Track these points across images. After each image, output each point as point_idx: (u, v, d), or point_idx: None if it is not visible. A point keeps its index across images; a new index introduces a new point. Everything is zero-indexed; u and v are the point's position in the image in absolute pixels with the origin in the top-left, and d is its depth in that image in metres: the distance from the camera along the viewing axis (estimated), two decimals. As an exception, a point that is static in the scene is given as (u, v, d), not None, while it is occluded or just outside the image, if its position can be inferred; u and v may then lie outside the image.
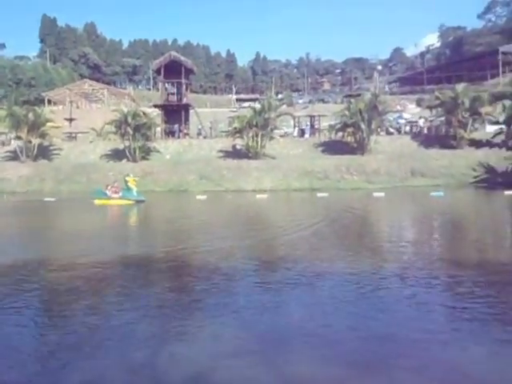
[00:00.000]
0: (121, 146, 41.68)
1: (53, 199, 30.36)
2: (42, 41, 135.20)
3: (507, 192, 27.78)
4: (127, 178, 29.65)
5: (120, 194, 28.65)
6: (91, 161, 41.72)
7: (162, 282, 11.16)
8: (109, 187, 28.83)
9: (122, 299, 9.67)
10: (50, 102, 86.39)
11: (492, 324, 7.84)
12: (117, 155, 42.11)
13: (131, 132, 40.37)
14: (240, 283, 10.87)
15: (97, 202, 27.94)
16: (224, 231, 18.05)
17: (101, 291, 10.53)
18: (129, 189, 29.12)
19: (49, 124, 43.54)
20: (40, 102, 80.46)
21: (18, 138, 42.17)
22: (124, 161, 41.03)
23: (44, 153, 42.88)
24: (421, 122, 48.66)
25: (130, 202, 28.21)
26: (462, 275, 10.93)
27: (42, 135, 42.55)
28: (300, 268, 11.75)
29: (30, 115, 42.02)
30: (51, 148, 43.89)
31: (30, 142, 41.71)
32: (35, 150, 41.91)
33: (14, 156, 42.28)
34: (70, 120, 58.91)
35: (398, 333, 7.55)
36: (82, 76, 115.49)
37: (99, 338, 7.50)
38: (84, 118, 61.86)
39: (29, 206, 29.10)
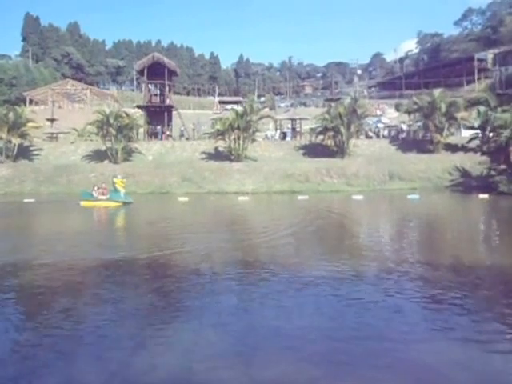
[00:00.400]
0: (102, 147, 41.32)
1: (32, 200, 30.18)
2: (24, 39, 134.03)
3: (481, 196, 29.11)
4: (115, 180, 29.12)
5: (107, 195, 28.35)
6: (72, 162, 41.26)
7: (142, 285, 11.21)
8: (96, 188, 28.58)
9: (99, 302, 9.73)
10: (31, 101, 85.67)
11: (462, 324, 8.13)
12: (98, 156, 41.74)
13: (113, 133, 40.06)
14: (218, 285, 10.96)
15: (83, 203, 27.77)
16: (205, 234, 18.22)
17: (78, 294, 10.53)
18: (116, 190, 28.74)
19: (29, 124, 42.77)
20: (21, 101, 79.25)
21: (-2, 138, 41.43)
22: (106, 162, 40.67)
23: (24, 153, 42.28)
24: (404, 126, 49.29)
25: (118, 203, 27.99)
26: (434, 277, 11.26)
27: (23, 135, 41.86)
28: (278, 270, 12.01)
29: (11, 115, 41.38)
30: (32, 148, 43.29)
31: (10, 142, 41.00)
32: (15, 150, 41.21)
33: (-7, 156, 41.60)
34: (52, 120, 58.43)
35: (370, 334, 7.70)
36: (64, 76, 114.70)
37: (76, 341, 7.53)
38: (66, 118, 61.55)
39: (7, 208, 28.70)
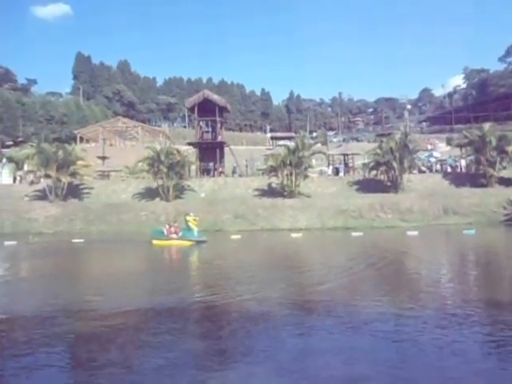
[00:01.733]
0: (154, 185, 41.24)
1: (81, 240, 29.85)
2: (75, 78, 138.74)
3: None
4: (188, 218, 28.56)
5: (180, 234, 27.78)
6: (123, 200, 41.24)
7: (196, 330, 11.32)
8: (167, 226, 28.12)
9: (154, 348, 9.65)
10: (82, 139, 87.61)
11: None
12: (149, 194, 41.62)
13: (165, 170, 39.94)
14: (275, 330, 10.92)
15: (155, 242, 27.44)
16: (260, 274, 18.09)
17: (131, 340, 10.55)
18: (189, 229, 28.17)
19: (79, 162, 43.03)
20: (72, 139, 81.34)
21: (47, 176, 41.47)
22: (157, 200, 40.48)
23: (74, 192, 42.44)
24: (462, 162, 48.83)
25: (191, 242, 27.39)
26: (497, 316, 11.42)
27: (72, 174, 42.06)
28: (339, 312, 12.21)
29: (60, 153, 41.59)
30: (82, 187, 43.48)
31: (60, 180, 41.09)
32: (65, 189, 41.27)
33: (42, 195, 41.65)
34: (103, 158, 59.14)
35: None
36: (115, 113, 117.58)
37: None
38: (117, 155, 62.29)
39: (56, 248, 28.48)
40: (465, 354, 8.84)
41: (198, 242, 27.42)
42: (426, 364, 8.48)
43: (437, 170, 49.89)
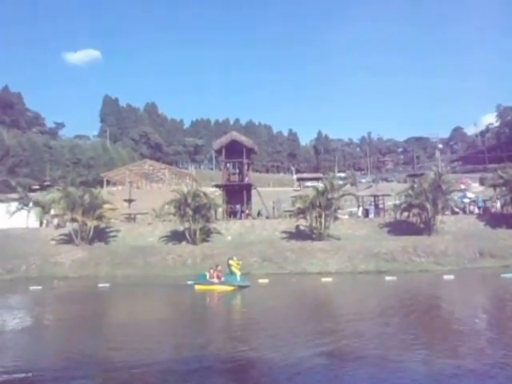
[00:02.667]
0: (180, 228, 41.47)
1: (107, 285, 29.96)
2: (102, 120, 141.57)
3: None
4: (230, 262, 28.23)
5: (222, 278, 27.43)
6: (149, 243, 41.51)
7: None
8: (211, 271, 27.78)
9: None
10: (108, 182, 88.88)
11: None
12: (176, 237, 41.85)
13: (191, 213, 40.15)
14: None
15: (197, 287, 27.20)
16: (290, 326, 17.21)
17: None
18: (232, 273, 27.82)
19: (106, 206, 43.60)
20: (99, 182, 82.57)
21: (73, 220, 41.88)
22: (184, 243, 40.64)
23: (100, 235, 42.92)
24: (498, 202, 48.40)
25: (233, 287, 26.96)
26: None
27: (99, 217, 42.55)
28: (373, 364, 11.74)
29: (87, 197, 42.27)
30: (108, 230, 43.95)
31: (86, 224, 41.58)
32: (91, 232, 41.76)
33: (68, 239, 42.23)
34: (129, 201, 59.74)
35: None
36: (142, 156, 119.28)
37: None
38: (144, 198, 62.86)
39: (81, 293, 28.76)
40: None
41: (241, 287, 26.93)
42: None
43: (471, 212, 49.25)
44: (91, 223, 41.77)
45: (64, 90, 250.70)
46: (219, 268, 27.93)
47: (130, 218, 53.24)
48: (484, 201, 49.93)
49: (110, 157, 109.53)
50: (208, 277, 27.38)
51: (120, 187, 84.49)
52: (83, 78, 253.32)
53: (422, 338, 14.57)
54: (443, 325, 17.05)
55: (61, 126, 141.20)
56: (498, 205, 47.86)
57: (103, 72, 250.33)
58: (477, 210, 48.54)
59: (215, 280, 27.20)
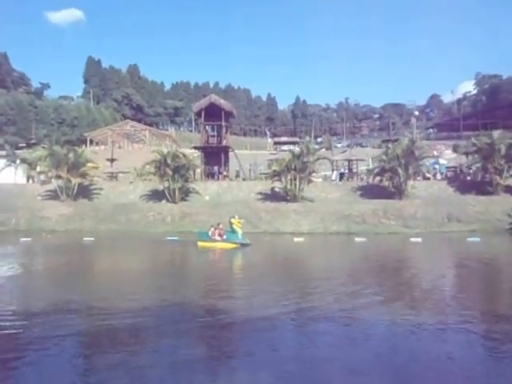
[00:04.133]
0: (160, 187, 42.01)
1: (92, 239, 30.81)
2: (86, 81, 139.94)
3: None
4: (232, 220, 28.14)
5: (224, 236, 27.37)
6: (131, 201, 42.06)
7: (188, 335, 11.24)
8: (212, 229, 27.66)
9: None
10: (92, 141, 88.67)
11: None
12: (156, 196, 42.47)
13: (170, 173, 40.65)
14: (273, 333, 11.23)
15: (200, 244, 27.23)
16: (264, 284, 17.49)
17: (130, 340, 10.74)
18: (234, 231, 27.78)
19: (89, 164, 44.24)
20: (82, 142, 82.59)
21: (58, 177, 42.51)
22: (163, 201, 41.28)
23: (84, 192, 43.52)
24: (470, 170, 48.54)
25: (235, 245, 27.05)
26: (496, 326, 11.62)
27: (83, 175, 43.25)
28: (340, 319, 12.24)
29: (71, 155, 42.82)
30: (91, 188, 44.57)
31: (70, 181, 42.22)
32: (75, 189, 42.41)
33: (54, 195, 42.80)
34: (112, 160, 59.93)
35: None
36: (124, 116, 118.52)
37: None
38: (125, 158, 63.05)
39: (68, 245, 29.60)
40: (460, 363, 9.25)
41: (243, 245, 27.03)
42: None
43: (442, 177, 48.99)
44: (75, 180, 42.38)
45: (48, 51, 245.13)
46: (221, 226, 27.75)
47: (113, 177, 53.68)
48: (448, 167, 50.22)
49: (93, 117, 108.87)
50: (210, 234, 27.47)
51: (103, 147, 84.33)
52: (67, 38, 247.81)
53: (388, 295, 14.98)
54: (408, 284, 17.62)
55: (46, 86, 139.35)
56: (465, 171, 48.16)
57: (86, 33, 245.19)
58: (439, 176, 48.96)
59: (217, 238, 27.23)
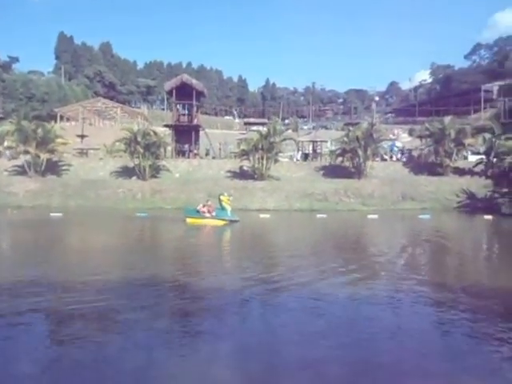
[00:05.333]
0: (130, 164, 41.30)
1: (59, 214, 29.87)
2: (57, 57, 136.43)
3: (486, 216, 30.83)
4: (221, 197, 27.65)
5: (213, 213, 26.83)
6: (101, 177, 41.23)
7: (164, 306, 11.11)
8: (201, 205, 27.05)
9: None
10: (62, 118, 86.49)
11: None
12: (126, 172, 41.75)
13: (141, 150, 40.00)
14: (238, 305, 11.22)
15: (189, 220, 26.56)
16: (231, 259, 18.03)
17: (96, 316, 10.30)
18: (223, 208, 27.29)
19: (58, 140, 42.69)
20: (53, 117, 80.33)
21: (26, 152, 41.01)
22: (134, 178, 40.63)
23: (53, 168, 42.23)
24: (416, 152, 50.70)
25: (224, 222, 26.69)
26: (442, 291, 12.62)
27: (51, 151, 41.82)
28: (298, 286, 12.69)
29: (39, 130, 41.27)
30: (60, 164, 43.28)
31: (38, 156, 40.84)
32: (43, 165, 41.06)
33: (21, 170, 41.39)
34: (82, 136, 58.79)
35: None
36: (96, 94, 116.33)
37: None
38: (96, 135, 61.88)
39: (35, 220, 28.73)
40: (410, 330, 9.48)
41: (232, 222, 26.78)
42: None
43: (398, 159, 51.20)
44: (44, 156, 41.01)
45: (18, 24, 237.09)
46: (209, 203, 27.38)
47: (83, 153, 52.52)
48: (400, 150, 52.68)
49: (64, 93, 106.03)
50: (199, 211, 26.81)
51: (73, 123, 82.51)
52: (38, 12, 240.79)
53: (347, 269, 15.21)
54: (366, 257, 18.18)
55: (15, 60, 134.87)
56: (416, 153, 50.08)
57: (58, 7, 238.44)
58: (394, 158, 51.23)
59: (207, 214, 26.68)
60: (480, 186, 37.90)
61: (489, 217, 30.69)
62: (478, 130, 46.83)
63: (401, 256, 18.51)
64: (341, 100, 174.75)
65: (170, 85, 51.93)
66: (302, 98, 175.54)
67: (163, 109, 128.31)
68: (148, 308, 10.58)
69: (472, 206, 36.22)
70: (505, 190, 34.54)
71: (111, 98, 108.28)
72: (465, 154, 46.32)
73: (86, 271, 14.14)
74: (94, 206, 35.02)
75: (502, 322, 10.05)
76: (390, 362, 7.82)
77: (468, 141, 43.30)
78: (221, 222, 26.63)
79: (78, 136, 58.47)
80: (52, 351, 8.30)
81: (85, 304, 10.56)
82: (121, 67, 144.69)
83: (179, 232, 25.05)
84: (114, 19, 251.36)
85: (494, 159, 39.38)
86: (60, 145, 42.84)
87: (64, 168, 42.99)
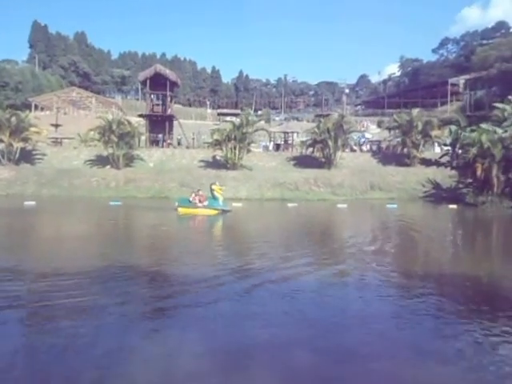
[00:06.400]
0: (104, 153, 40.87)
1: (33, 203, 29.36)
2: (31, 46, 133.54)
3: (450, 206, 31.64)
4: (213, 187, 26.97)
5: (205, 202, 26.37)
6: (75, 166, 40.72)
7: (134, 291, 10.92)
8: (193, 195, 26.59)
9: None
10: (37, 107, 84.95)
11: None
12: (100, 162, 41.29)
13: (115, 139, 39.61)
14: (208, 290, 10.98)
15: (181, 210, 26.00)
16: (203, 247, 17.74)
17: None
18: (215, 198, 26.69)
19: (32, 129, 41.99)
20: (27, 106, 78.88)
21: (0, 141, 40.34)
22: (108, 167, 40.22)
23: (27, 157, 41.58)
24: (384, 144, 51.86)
25: (217, 211, 26.25)
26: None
27: (25, 139, 41.14)
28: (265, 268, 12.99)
29: (13, 119, 40.56)
30: (34, 152, 42.64)
31: (12, 145, 40.13)
32: (17, 153, 40.38)
33: (-6, 159, 40.75)
34: (56, 126, 57.89)
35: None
36: (71, 83, 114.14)
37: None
38: (71, 124, 60.94)
39: (8, 209, 28.19)
40: (372, 315, 9.42)
41: (224, 211, 26.30)
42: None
43: (367, 150, 52.16)
44: (17, 145, 40.37)
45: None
46: (201, 192, 26.86)
47: (57, 142, 51.70)
48: (389, 141, 52.05)
49: (38, 83, 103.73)
50: (191, 200, 26.40)
51: (48, 112, 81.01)
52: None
53: (318, 256, 15.41)
54: (335, 245, 18.45)
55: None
56: (383, 145, 51.26)
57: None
58: (364, 148, 52.31)
59: (199, 204, 26.25)
60: (445, 177, 38.81)
61: (453, 206, 31.36)
62: (445, 122, 47.94)
63: (368, 243, 18.59)
64: (312, 92, 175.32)
65: (143, 75, 51.52)
66: (274, 89, 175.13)
67: (137, 99, 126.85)
68: (119, 295, 10.39)
69: (437, 195, 36.94)
70: (469, 180, 35.24)
71: (86, 88, 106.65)
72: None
73: (58, 259, 13.97)
74: (67, 194, 34.65)
75: (467, 306, 10.23)
76: (352, 345, 7.87)
77: (435, 132, 44.01)
78: (213, 212, 26.18)
79: (53, 125, 57.52)
80: (23, 337, 8.18)
81: (58, 292, 10.30)
82: (95, 57, 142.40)
83: (152, 220, 24.76)
84: (88, 8, 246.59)
85: (460, 151, 39.98)
86: (34, 134, 42.14)
87: (38, 157, 42.36)
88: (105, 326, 8.45)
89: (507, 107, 39.31)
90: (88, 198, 33.76)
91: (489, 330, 8.49)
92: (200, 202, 26.35)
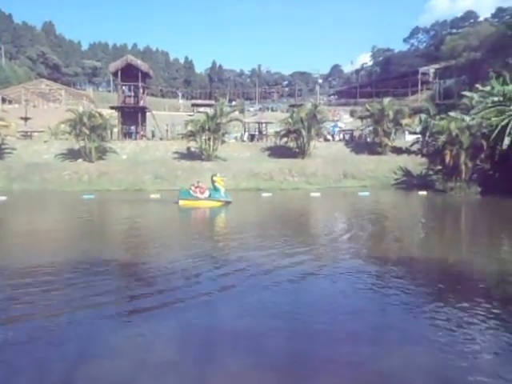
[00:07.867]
0: (76, 146, 40.47)
1: (4, 198, 28.94)
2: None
3: (420, 192, 32.70)
4: (214, 178, 26.93)
5: (206, 194, 26.32)
6: (45, 160, 40.26)
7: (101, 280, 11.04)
8: (193, 187, 26.41)
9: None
10: (4, 100, 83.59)
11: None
12: (72, 155, 40.89)
13: (87, 132, 39.24)
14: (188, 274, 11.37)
15: (182, 203, 25.85)
16: (177, 237, 18.29)
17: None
18: (216, 189, 26.70)
19: (0, 122, 41.56)
20: (-7, 99, 77.66)
21: (-34, 135, 39.59)
22: (80, 160, 39.86)
23: (-5, 151, 41.07)
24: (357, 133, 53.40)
25: (220, 203, 26.23)
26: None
27: (-8, 134, 40.41)
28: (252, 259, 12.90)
29: (-21, 113, 40.00)
30: (3, 147, 41.77)
31: (-22, 140, 39.51)
32: (-16, 148, 39.79)
33: (-39, 154, 39.95)
34: (26, 119, 57.17)
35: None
36: (40, 75, 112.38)
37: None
38: (41, 117, 60.12)
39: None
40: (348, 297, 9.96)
41: (227, 203, 26.35)
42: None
43: (340, 139, 53.08)
44: (-16, 139, 39.79)
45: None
46: (201, 184, 26.79)
47: (27, 136, 51.06)
48: (361, 130, 53.03)
49: (5, 75, 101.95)
50: (192, 193, 26.28)
51: (16, 105, 79.80)
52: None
53: (293, 244, 15.60)
54: (309, 232, 19.17)
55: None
56: (356, 134, 52.81)
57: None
58: (337, 138, 53.43)
59: (200, 196, 26.16)
60: (416, 164, 39.71)
61: (423, 192, 32.45)
62: (415, 111, 49.59)
63: (340, 229, 19.25)
64: (286, 82, 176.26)
65: (115, 66, 50.85)
66: (248, 80, 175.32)
67: (109, 91, 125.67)
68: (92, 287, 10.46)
69: (408, 182, 37.89)
70: (438, 167, 36.11)
71: (56, 80, 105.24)
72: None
73: (30, 254, 14.00)
74: (39, 189, 34.30)
75: (437, 289, 10.62)
76: (323, 328, 8.12)
77: (405, 121, 45.14)
78: (216, 204, 26.13)
79: (22, 118, 56.82)
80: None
81: (31, 287, 10.38)
82: (65, 48, 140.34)
83: (127, 212, 25.09)
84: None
85: (429, 138, 40.84)
86: (2, 127, 41.56)
87: (7, 151, 41.63)
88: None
89: (475, 95, 39.91)
90: (60, 192, 33.48)
91: (455, 310, 8.87)
92: (201, 193, 26.26)
